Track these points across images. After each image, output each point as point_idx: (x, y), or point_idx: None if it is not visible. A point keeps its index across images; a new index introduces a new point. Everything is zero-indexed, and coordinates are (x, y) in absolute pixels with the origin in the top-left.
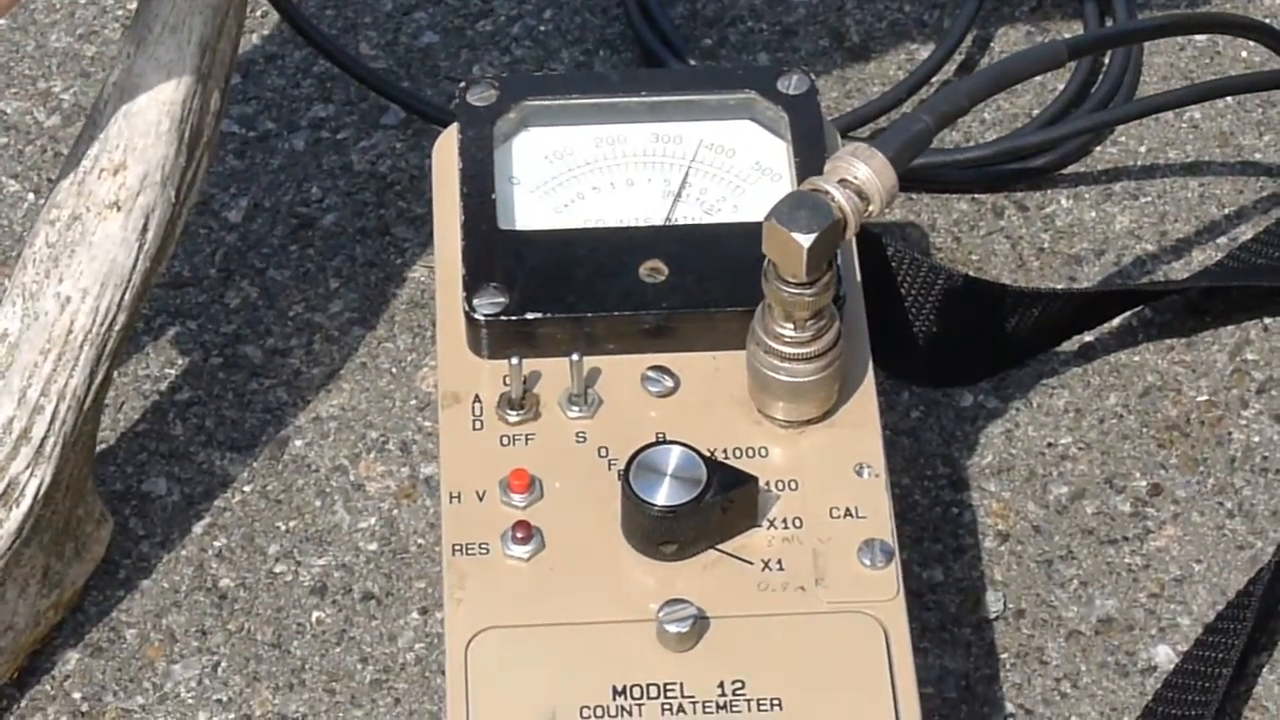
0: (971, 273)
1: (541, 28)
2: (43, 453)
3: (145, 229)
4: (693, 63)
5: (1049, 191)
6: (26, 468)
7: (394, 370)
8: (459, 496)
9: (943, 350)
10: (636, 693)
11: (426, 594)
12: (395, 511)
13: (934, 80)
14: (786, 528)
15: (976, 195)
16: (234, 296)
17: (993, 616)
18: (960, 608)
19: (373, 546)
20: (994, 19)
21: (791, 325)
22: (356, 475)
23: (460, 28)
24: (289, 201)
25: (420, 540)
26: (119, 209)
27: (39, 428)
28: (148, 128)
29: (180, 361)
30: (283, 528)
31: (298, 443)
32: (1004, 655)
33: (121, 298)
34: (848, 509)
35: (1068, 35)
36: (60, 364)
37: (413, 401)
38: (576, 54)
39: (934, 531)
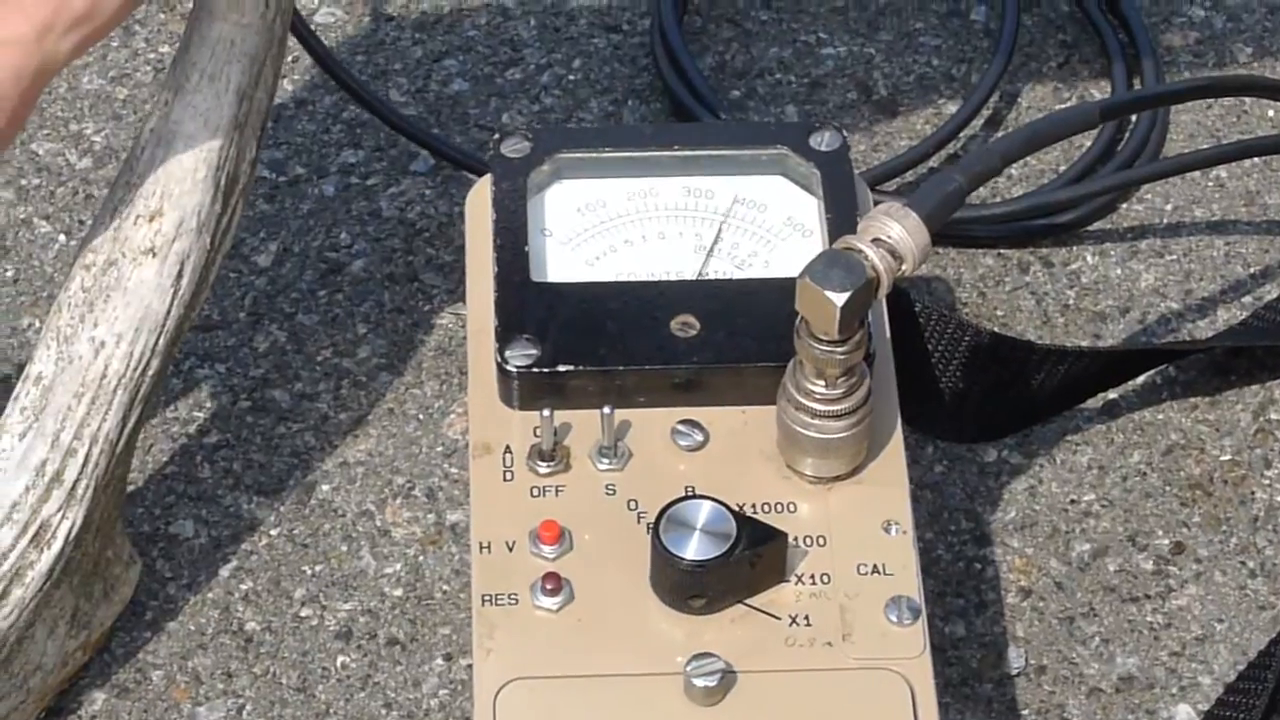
0: (997, 328)
1: (571, 77)
2: (74, 495)
3: (180, 275)
4: (722, 114)
5: (1074, 248)
6: (58, 510)
7: (421, 417)
8: (489, 547)
9: (967, 406)
10: None
11: (451, 640)
12: (421, 557)
13: (961, 135)
14: (814, 583)
15: (1002, 251)
16: (263, 341)
17: (1014, 673)
18: (982, 663)
19: (398, 592)
20: (1021, 74)
21: (823, 382)
22: (383, 521)
23: (490, 75)
24: (318, 247)
25: (445, 586)
26: (154, 255)
27: (71, 471)
28: (184, 175)
29: (209, 405)
30: (309, 572)
31: (325, 487)
32: (1025, 712)
33: (155, 343)
34: (875, 566)
35: (1094, 91)
36: (94, 408)
37: (439, 448)
38: (605, 104)
39: (956, 586)
